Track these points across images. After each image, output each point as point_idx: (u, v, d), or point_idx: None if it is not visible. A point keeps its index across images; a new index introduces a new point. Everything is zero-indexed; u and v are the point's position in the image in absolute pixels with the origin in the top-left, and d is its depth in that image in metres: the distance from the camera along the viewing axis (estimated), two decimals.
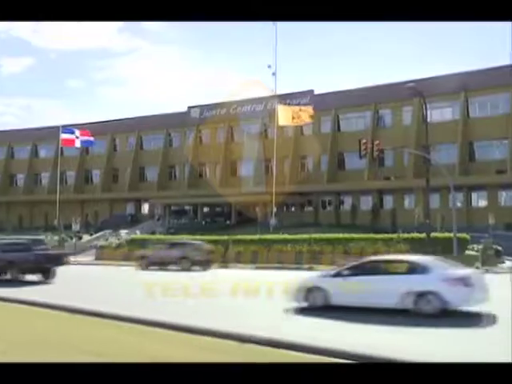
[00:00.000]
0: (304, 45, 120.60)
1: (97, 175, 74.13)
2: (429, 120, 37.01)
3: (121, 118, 73.16)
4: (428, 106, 37.90)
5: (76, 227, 51.39)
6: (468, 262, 24.13)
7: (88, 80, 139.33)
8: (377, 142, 33.13)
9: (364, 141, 32.61)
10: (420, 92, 36.01)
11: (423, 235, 31.22)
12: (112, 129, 71.92)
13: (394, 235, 33.40)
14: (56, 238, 49.67)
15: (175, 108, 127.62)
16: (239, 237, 38.62)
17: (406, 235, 32.75)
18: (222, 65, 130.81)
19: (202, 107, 67.09)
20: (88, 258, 42.63)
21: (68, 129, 56.36)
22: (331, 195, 57.91)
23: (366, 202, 55.78)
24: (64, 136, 55.68)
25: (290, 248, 35.07)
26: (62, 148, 66.04)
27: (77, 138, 55.14)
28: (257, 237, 38.34)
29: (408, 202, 54.16)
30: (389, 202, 54.91)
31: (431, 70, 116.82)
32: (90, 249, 46.85)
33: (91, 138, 56.42)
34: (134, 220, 64.65)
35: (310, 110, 48.80)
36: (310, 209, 58.33)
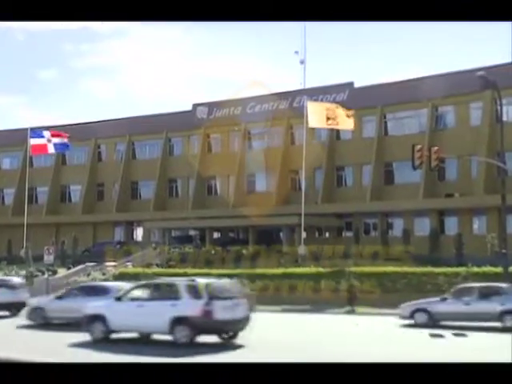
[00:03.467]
0: (338, 28, 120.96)
1: (76, 192, 74.41)
2: (505, 119, 36.58)
3: (107, 118, 73.56)
4: (504, 101, 37.37)
5: (49, 258, 51.14)
6: None
7: (65, 70, 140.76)
8: (435, 149, 32.96)
9: (419, 147, 32.44)
10: (493, 83, 35.58)
11: (499, 269, 30.71)
12: (96, 133, 72.27)
13: (461, 269, 33.09)
14: (23, 272, 49.50)
15: (177, 106, 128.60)
16: (258, 270, 39.19)
17: (475, 269, 32.39)
18: (236, 51, 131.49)
19: (211, 105, 67.35)
20: None
21: (38, 132, 56.47)
22: (376, 217, 57.71)
23: (422, 226, 55.34)
24: (34, 141, 55.76)
25: (323, 285, 35.35)
26: (31, 157, 66.28)
27: (48, 141, 55.04)
28: (281, 270, 38.43)
29: (478, 225, 53.67)
30: (452, 225, 54.44)
31: (502, 57, 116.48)
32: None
33: (65, 140, 56.42)
34: (125, 249, 64.46)
35: (349, 111, 48.52)
36: (350, 234, 58.09)
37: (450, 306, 25.91)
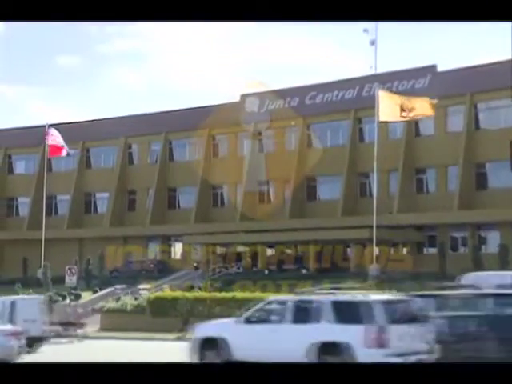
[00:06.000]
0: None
1: (103, 201, 75.20)
2: None
3: (139, 113, 73.91)
4: None
5: (71, 280, 51.59)
6: None
7: (89, 56, 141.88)
8: None
9: None
10: None
11: None
12: (126, 130, 72.80)
13: None
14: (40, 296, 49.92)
15: (222, 98, 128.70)
16: None
17: None
18: (294, 29, 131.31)
19: (263, 96, 67.40)
20: (89, 328, 43.05)
21: (56, 130, 57.52)
22: (466, 229, 57.26)
23: None
24: (52, 141, 56.71)
25: None
26: (49, 159, 66.92)
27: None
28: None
29: None
30: None
31: None
32: (92, 313, 46.94)
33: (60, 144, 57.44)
34: (161, 268, 64.75)
35: (430, 100, 47.69)
36: (433, 250, 57.58)
37: None
